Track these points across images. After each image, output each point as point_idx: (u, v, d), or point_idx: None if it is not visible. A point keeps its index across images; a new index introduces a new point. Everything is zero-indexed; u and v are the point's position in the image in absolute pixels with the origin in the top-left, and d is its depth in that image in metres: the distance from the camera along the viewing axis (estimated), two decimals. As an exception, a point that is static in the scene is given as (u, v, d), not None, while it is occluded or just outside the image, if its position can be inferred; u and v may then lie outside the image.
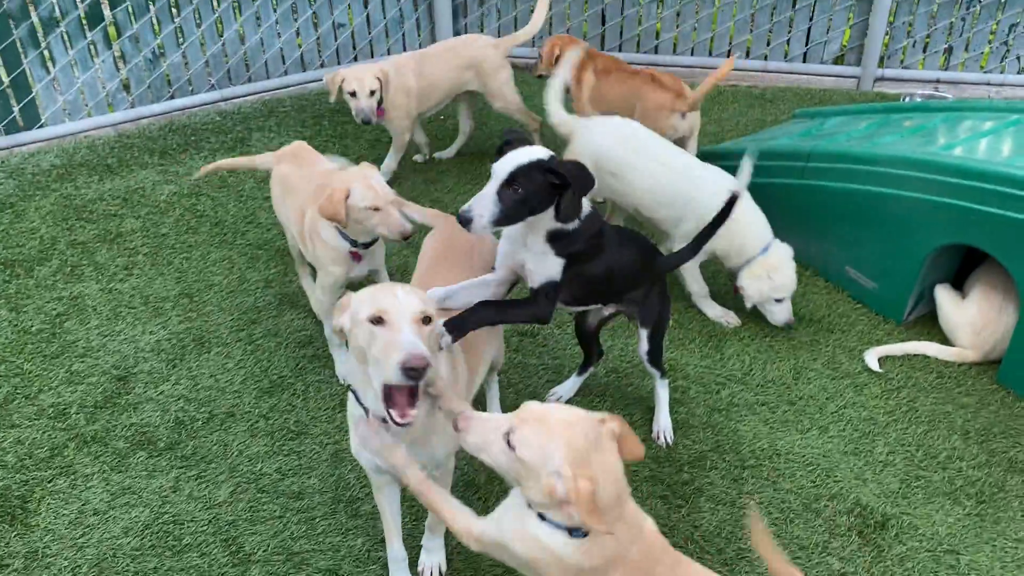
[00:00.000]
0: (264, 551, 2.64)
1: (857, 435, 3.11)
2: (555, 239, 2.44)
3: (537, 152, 2.33)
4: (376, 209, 2.94)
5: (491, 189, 2.30)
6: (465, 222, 2.29)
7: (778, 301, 3.54)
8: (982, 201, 3.18)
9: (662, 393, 3.06)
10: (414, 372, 1.88)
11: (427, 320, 2.03)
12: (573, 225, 2.43)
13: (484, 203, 2.29)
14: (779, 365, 3.44)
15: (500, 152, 2.38)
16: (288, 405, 3.20)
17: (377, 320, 1.98)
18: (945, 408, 3.23)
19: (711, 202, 3.30)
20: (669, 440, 3.04)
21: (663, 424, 3.07)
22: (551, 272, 2.47)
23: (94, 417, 3.13)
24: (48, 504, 2.80)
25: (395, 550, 2.52)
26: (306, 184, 3.28)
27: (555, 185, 2.30)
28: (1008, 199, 3.09)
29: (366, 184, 2.95)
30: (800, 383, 3.35)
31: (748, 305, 3.59)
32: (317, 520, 2.74)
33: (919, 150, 3.56)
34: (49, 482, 2.88)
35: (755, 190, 3.51)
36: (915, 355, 3.50)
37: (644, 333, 2.91)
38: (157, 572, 2.58)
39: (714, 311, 3.73)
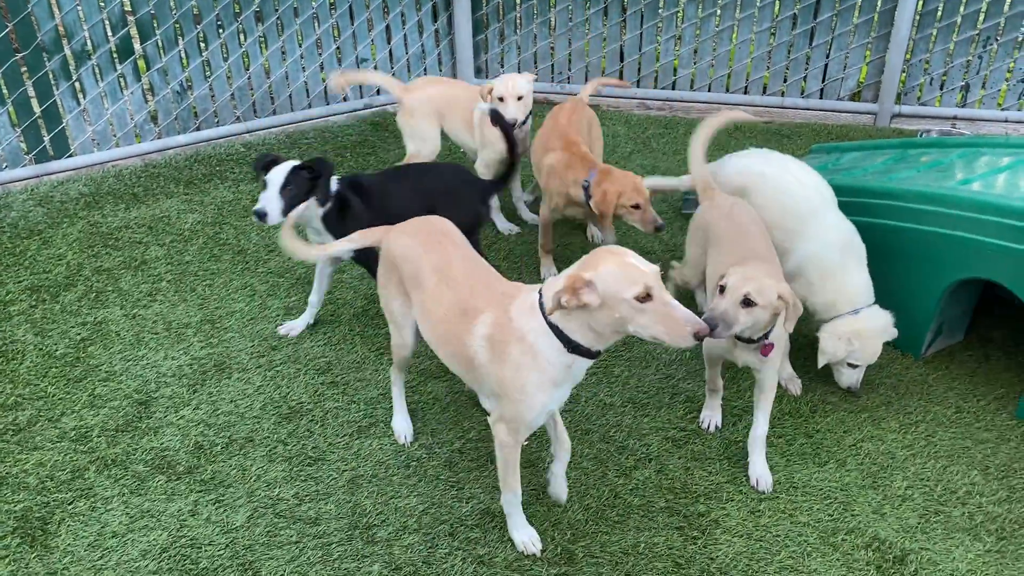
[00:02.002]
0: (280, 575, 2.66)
1: (875, 469, 3.09)
2: (326, 221, 3.39)
3: (292, 163, 3.31)
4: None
5: (273, 191, 3.24)
6: (261, 216, 3.24)
7: (851, 367, 3.33)
8: (999, 236, 3.19)
9: None
10: (699, 335, 2.26)
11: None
12: (327, 207, 3.35)
13: (271, 202, 3.24)
14: (796, 398, 3.44)
15: (265, 168, 3.31)
16: (306, 431, 3.22)
17: (645, 297, 2.23)
18: (964, 443, 3.21)
19: (812, 245, 3.36)
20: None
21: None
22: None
23: (115, 440, 3.17)
24: (68, 526, 2.83)
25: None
26: (463, 92, 4.47)
27: (311, 178, 3.29)
28: (1025, 234, 3.10)
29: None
30: (817, 416, 3.34)
31: (820, 362, 3.31)
32: (333, 546, 2.75)
33: (936, 185, 3.57)
34: (69, 504, 2.91)
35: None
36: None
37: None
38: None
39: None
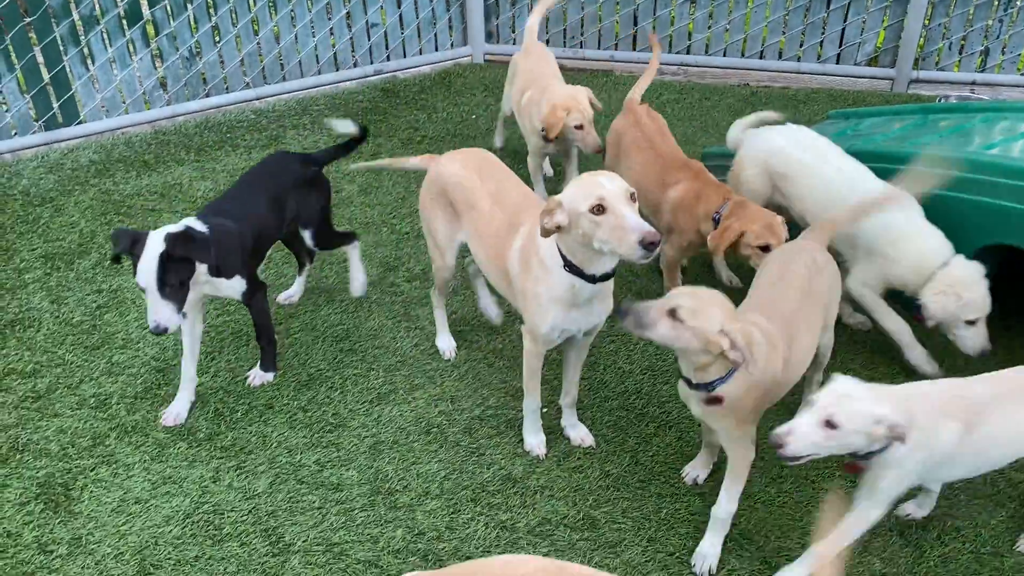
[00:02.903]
0: (304, 541, 2.67)
1: (896, 436, 3.08)
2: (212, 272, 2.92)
3: (156, 246, 2.72)
4: (579, 128, 3.84)
5: (155, 298, 2.73)
6: (161, 332, 2.75)
7: (969, 323, 3.11)
8: (1022, 200, 3.14)
9: None
10: (652, 246, 2.25)
11: (632, 197, 2.36)
12: (210, 260, 2.85)
13: (161, 311, 2.74)
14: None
15: (130, 246, 2.75)
16: (326, 398, 3.22)
17: (598, 209, 2.30)
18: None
19: (873, 222, 3.20)
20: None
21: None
22: (238, 287, 3.06)
23: (134, 407, 3.17)
24: (91, 492, 2.83)
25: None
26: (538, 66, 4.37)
27: (184, 259, 2.76)
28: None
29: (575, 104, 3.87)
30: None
31: (930, 325, 3.17)
32: (356, 512, 2.76)
33: (958, 150, 3.52)
34: (91, 471, 2.92)
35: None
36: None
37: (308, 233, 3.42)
38: (198, 560, 2.61)
39: (911, 356, 3.32)
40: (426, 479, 2.88)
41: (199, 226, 2.92)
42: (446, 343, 3.47)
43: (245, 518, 2.74)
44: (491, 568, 1.72)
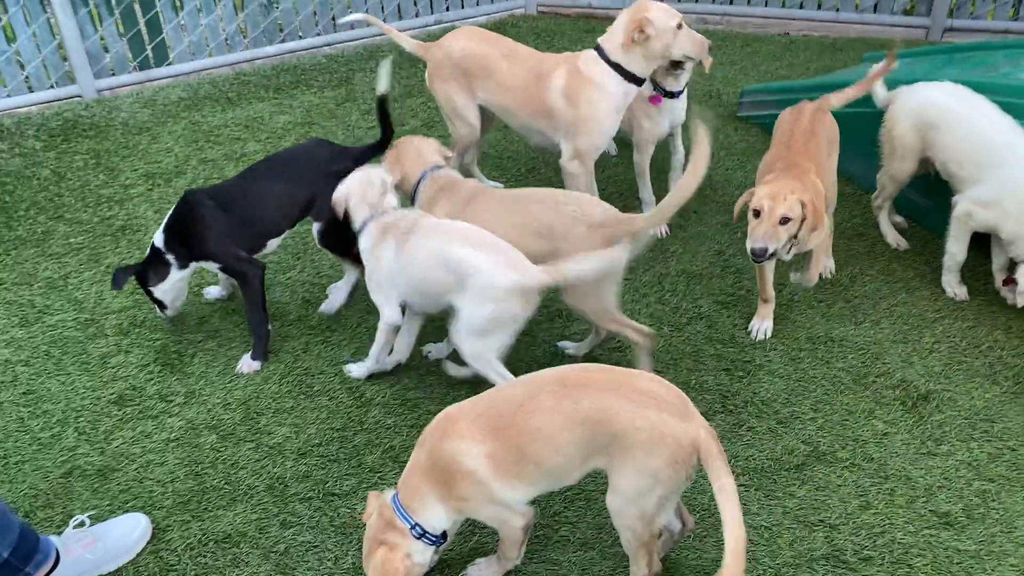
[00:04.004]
0: (383, 397, 3.12)
1: (907, 328, 3.43)
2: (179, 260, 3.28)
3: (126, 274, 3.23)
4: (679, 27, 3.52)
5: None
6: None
7: None
8: None
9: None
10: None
11: None
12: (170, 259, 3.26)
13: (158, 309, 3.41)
14: (837, 271, 3.77)
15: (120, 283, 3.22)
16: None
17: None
18: (991, 308, 3.53)
19: (1011, 176, 3.30)
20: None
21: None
22: (214, 267, 3.35)
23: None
24: (200, 358, 3.33)
25: None
26: None
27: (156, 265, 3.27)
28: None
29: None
30: (856, 285, 3.68)
31: (1020, 303, 3.31)
32: (425, 375, 3.21)
33: (981, 77, 3.81)
34: (200, 343, 3.41)
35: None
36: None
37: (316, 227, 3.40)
38: (294, 409, 3.08)
39: (949, 279, 3.61)
40: (486, 353, 3.32)
41: (158, 240, 3.25)
42: None
43: (332, 380, 3.21)
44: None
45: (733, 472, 2.07)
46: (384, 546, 2.22)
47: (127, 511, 2.67)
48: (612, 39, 3.52)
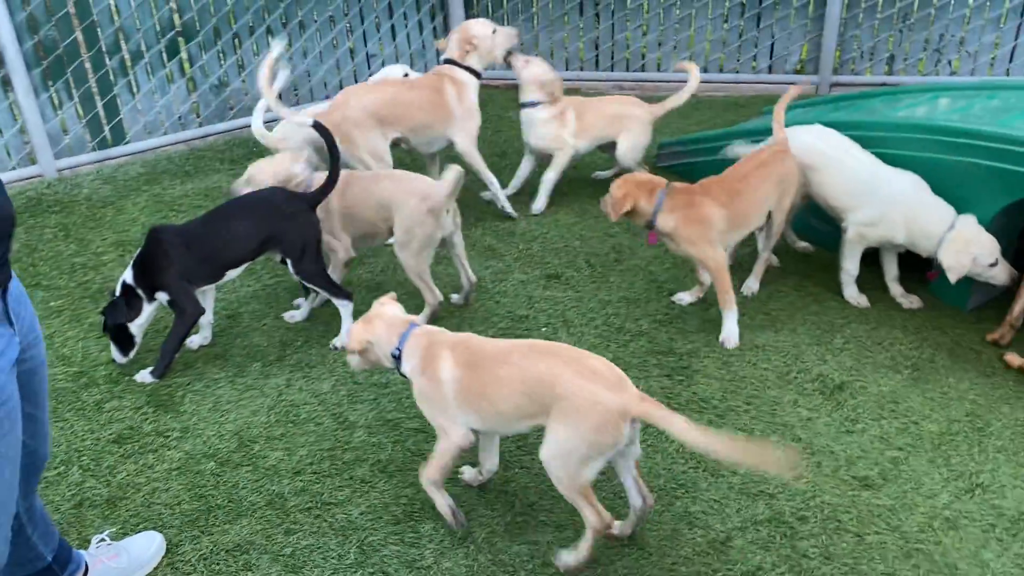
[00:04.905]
0: (365, 420, 3.44)
1: (819, 332, 3.94)
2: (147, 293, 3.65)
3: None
4: None
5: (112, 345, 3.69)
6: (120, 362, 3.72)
7: (992, 265, 3.72)
8: (911, 147, 4.02)
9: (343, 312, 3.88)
10: None
11: None
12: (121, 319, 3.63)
13: (114, 352, 3.70)
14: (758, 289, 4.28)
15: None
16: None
17: None
18: (889, 312, 4.07)
19: (889, 192, 3.87)
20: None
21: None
22: (163, 299, 3.67)
23: (214, 343, 3.93)
24: (191, 398, 3.59)
25: None
26: None
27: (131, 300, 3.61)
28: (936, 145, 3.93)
29: None
30: (773, 300, 4.19)
31: (953, 280, 3.74)
32: (403, 398, 3.54)
33: (862, 117, 4.45)
34: (188, 385, 3.68)
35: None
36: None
37: (289, 263, 3.77)
38: (284, 436, 3.37)
39: (849, 292, 4.13)
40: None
41: (128, 277, 3.61)
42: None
43: (316, 408, 3.51)
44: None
45: (683, 458, 2.48)
46: (367, 323, 2.88)
47: (139, 532, 2.91)
48: (453, 52, 4.78)
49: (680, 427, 2.43)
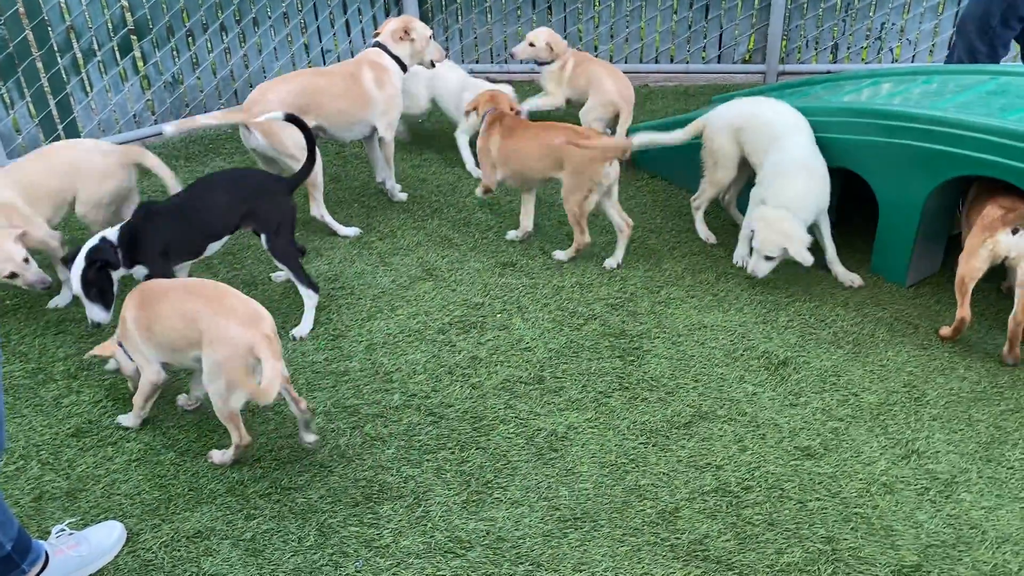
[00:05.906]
0: (323, 407, 3.50)
1: (765, 311, 4.07)
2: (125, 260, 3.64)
3: (80, 265, 3.47)
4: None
5: (85, 300, 3.53)
6: (97, 325, 3.60)
7: (764, 257, 4.05)
8: (855, 131, 4.16)
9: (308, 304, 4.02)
10: None
11: None
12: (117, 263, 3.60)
13: (92, 310, 3.54)
14: (704, 273, 4.40)
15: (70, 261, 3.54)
16: (326, 319, 4.05)
17: None
18: (832, 291, 4.22)
19: (777, 156, 4.13)
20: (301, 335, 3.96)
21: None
22: (140, 273, 3.71)
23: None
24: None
25: None
26: None
27: (102, 266, 3.50)
28: (872, 127, 4.09)
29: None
30: (720, 282, 4.32)
31: (751, 271, 4.11)
32: (361, 386, 3.60)
33: (805, 103, 4.60)
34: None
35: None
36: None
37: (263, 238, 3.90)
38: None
39: (741, 250, 4.41)
40: (412, 363, 3.75)
41: (111, 234, 3.59)
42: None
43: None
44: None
45: (633, 434, 2.58)
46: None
47: (100, 522, 2.95)
48: (386, 38, 4.81)
49: (267, 374, 2.84)
